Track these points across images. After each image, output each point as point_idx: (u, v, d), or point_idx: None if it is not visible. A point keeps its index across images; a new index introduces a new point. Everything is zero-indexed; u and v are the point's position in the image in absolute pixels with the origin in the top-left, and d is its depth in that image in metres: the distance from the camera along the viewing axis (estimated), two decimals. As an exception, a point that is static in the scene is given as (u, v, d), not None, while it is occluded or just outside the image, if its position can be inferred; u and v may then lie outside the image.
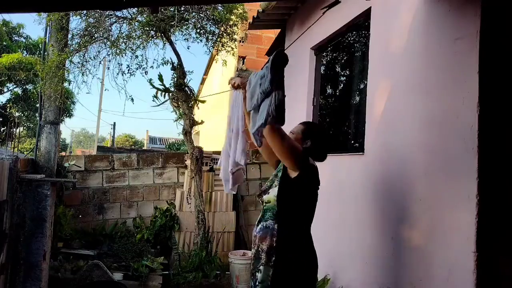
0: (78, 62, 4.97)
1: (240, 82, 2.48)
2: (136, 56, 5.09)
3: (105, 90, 18.58)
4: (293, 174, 2.20)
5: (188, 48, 6.73)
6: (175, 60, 5.31)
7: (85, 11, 4.75)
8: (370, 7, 3.17)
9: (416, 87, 2.53)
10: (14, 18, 14.08)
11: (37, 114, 5.29)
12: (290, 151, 2.13)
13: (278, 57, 2.01)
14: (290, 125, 2.81)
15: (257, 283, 2.19)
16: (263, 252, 2.20)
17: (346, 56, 4.06)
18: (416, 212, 2.43)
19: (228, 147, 2.65)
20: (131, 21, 5.00)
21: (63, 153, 14.81)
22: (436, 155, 2.29)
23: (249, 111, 2.19)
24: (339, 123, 4.10)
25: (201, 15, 5.17)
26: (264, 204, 2.31)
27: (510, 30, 2.07)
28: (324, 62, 4.39)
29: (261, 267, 2.18)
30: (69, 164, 5.94)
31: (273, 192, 2.27)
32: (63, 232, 5.39)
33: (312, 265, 2.28)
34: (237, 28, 5.70)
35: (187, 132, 5.44)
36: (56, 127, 4.72)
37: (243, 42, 6.32)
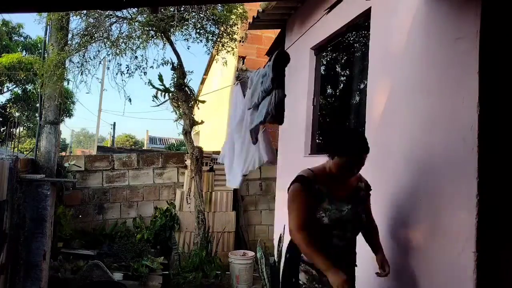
0: (78, 62, 4.97)
1: None
2: (136, 57, 5.10)
3: (104, 90, 18.53)
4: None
5: (188, 48, 6.74)
6: (175, 60, 5.32)
7: (85, 11, 4.75)
8: (370, 7, 3.17)
9: (416, 87, 2.53)
10: (14, 18, 14.08)
11: (37, 114, 5.30)
12: None
13: (280, 57, 2.03)
14: (290, 125, 2.81)
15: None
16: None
17: (346, 56, 4.07)
18: (416, 212, 2.43)
19: (232, 144, 2.65)
20: (131, 21, 5.00)
21: (63, 153, 14.80)
22: (436, 155, 2.29)
23: (248, 108, 2.20)
24: (339, 123, 4.10)
25: (201, 15, 5.18)
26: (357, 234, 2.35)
27: (510, 30, 2.07)
28: (324, 62, 4.39)
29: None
30: (69, 164, 5.94)
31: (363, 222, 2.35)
32: (63, 232, 5.39)
33: None
34: (237, 28, 5.71)
35: (187, 132, 5.44)
36: (56, 127, 4.72)
37: (243, 42, 6.32)
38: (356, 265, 2.35)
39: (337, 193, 2.18)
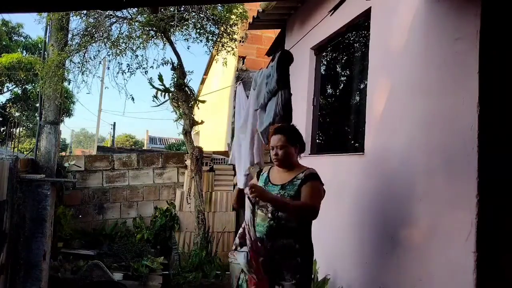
0: (78, 62, 4.97)
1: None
2: (136, 56, 5.09)
3: (105, 88, 18.52)
4: None
5: (188, 48, 6.73)
6: (175, 60, 5.32)
7: (85, 11, 4.75)
8: (370, 7, 3.17)
9: (416, 87, 2.53)
10: (14, 18, 14.08)
11: (37, 114, 5.30)
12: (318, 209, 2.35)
13: (283, 57, 2.03)
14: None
15: None
16: (287, 270, 2.31)
17: (346, 56, 4.07)
18: (416, 212, 2.43)
19: (239, 144, 2.67)
20: (131, 21, 5.00)
21: (63, 153, 14.80)
22: (436, 155, 2.29)
23: (255, 110, 2.21)
24: (339, 123, 4.10)
25: (201, 15, 5.17)
26: (281, 221, 2.35)
27: (510, 30, 2.07)
28: (324, 62, 4.39)
29: (285, 283, 2.29)
30: (69, 164, 5.94)
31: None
32: (63, 232, 5.39)
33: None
34: (237, 28, 5.70)
35: (187, 132, 5.44)
36: (56, 127, 4.72)
37: (243, 42, 6.31)
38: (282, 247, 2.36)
39: (274, 180, 2.51)
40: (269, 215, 2.37)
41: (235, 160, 2.76)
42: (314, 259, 3.35)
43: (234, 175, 5.79)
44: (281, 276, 2.31)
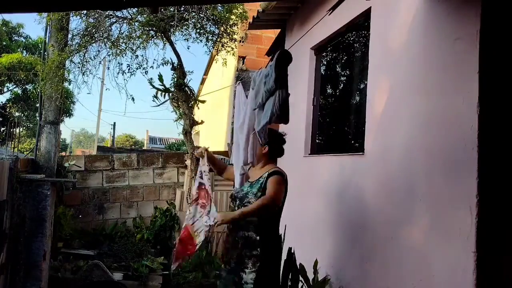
0: (79, 62, 4.97)
1: (201, 154, 2.85)
2: (136, 56, 5.10)
3: (106, 89, 18.58)
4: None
5: (188, 48, 6.74)
6: (175, 60, 5.32)
7: (85, 11, 4.75)
8: (370, 7, 3.17)
9: (416, 87, 2.53)
10: (14, 18, 14.07)
11: (37, 114, 5.30)
12: (278, 203, 2.61)
13: (282, 56, 2.04)
14: (291, 125, 2.81)
15: (242, 281, 2.56)
16: (247, 258, 2.58)
17: (346, 56, 4.06)
18: (416, 212, 2.43)
19: (235, 143, 2.70)
20: (131, 21, 5.00)
21: (63, 153, 14.79)
22: (436, 155, 2.29)
23: (253, 109, 2.22)
24: (339, 123, 4.10)
25: (201, 15, 5.17)
26: (243, 216, 2.57)
27: (510, 30, 2.07)
28: (324, 62, 4.38)
29: (247, 271, 2.56)
30: (69, 164, 5.94)
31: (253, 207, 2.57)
32: (63, 232, 5.39)
33: (280, 260, 2.76)
34: (237, 28, 5.70)
35: (187, 132, 5.44)
36: (56, 127, 4.72)
37: (243, 42, 6.31)
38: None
39: (250, 177, 2.80)
40: (237, 207, 2.70)
41: (234, 160, 2.80)
42: (315, 259, 3.36)
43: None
44: (245, 265, 2.57)
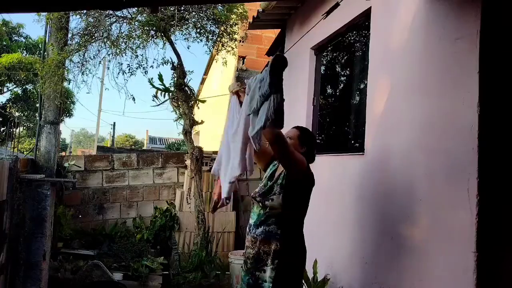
0: (78, 62, 4.97)
1: (238, 88, 2.60)
2: (136, 56, 5.09)
3: (106, 89, 18.60)
4: (297, 181, 2.39)
5: (188, 48, 6.73)
6: (175, 60, 5.31)
7: (85, 11, 4.75)
8: (370, 7, 3.17)
9: (416, 87, 2.53)
10: (14, 18, 14.06)
11: (37, 114, 5.30)
12: (298, 162, 2.33)
13: (277, 61, 2.03)
14: (291, 125, 2.81)
15: (259, 281, 2.37)
16: (266, 255, 2.37)
17: (346, 56, 4.06)
18: (416, 212, 2.43)
19: (226, 152, 2.62)
20: (131, 21, 5.00)
21: (63, 153, 14.82)
22: (436, 155, 2.29)
23: (248, 114, 2.21)
24: (339, 123, 4.10)
25: (201, 14, 5.17)
26: (267, 209, 2.42)
27: (510, 30, 2.07)
28: (324, 62, 4.38)
29: (266, 268, 2.36)
30: (69, 164, 5.94)
31: (278, 199, 2.39)
32: (63, 232, 5.39)
33: (303, 262, 2.54)
34: (237, 28, 5.70)
35: (187, 132, 5.44)
36: (56, 127, 4.71)
37: (243, 42, 6.31)
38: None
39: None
40: (260, 204, 2.47)
41: (221, 170, 2.67)
42: (315, 259, 3.36)
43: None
44: (262, 263, 2.38)
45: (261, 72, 2.17)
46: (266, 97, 2.01)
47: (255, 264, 2.40)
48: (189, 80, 5.37)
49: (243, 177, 2.89)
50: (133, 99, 5.38)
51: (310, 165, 2.50)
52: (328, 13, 3.03)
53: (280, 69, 2.05)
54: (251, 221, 2.52)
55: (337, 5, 3.09)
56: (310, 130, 2.78)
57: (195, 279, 4.75)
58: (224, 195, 2.57)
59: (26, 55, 12.61)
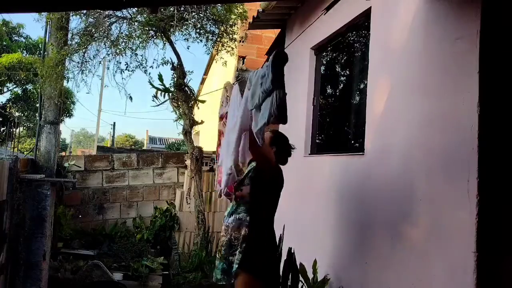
0: (78, 62, 4.97)
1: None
2: (136, 55, 5.09)
3: (105, 86, 18.59)
4: (263, 172, 2.68)
5: (188, 48, 6.74)
6: (175, 60, 5.32)
7: (85, 11, 4.75)
8: (370, 7, 3.17)
9: (416, 87, 2.53)
10: (14, 18, 14.06)
11: (37, 114, 5.30)
12: (265, 153, 2.64)
13: (278, 57, 2.04)
14: (290, 125, 2.81)
15: (232, 265, 2.56)
16: (236, 240, 2.59)
17: (346, 56, 4.06)
18: (416, 212, 2.43)
19: (226, 144, 2.68)
20: (131, 21, 5.00)
21: (63, 153, 14.81)
22: (436, 155, 2.29)
23: (250, 110, 2.22)
24: (339, 123, 4.10)
25: (201, 15, 5.17)
26: (237, 199, 2.71)
27: (510, 30, 2.07)
28: (324, 62, 4.38)
29: (236, 252, 2.57)
30: (69, 164, 5.94)
31: (246, 189, 2.68)
32: (63, 232, 5.39)
33: (273, 248, 2.79)
34: (237, 28, 5.70)
35: (187, 132, 5.44)
36: (56, 127, 4.72)
37: (243, 42, 6.31)
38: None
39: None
40: (233, 196, 2.76)
41: (223, 161, 2.80)
42: (315, 259, 3.36)
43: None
44: (235, 247, 2.59)
45: (261, 67, 2.18)
46: (268, 93, 2.01)
47: (228, 250, 2.61)
48: (189, 80, 5.38)
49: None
50: (131, 98, 5.39)
51: (312, 164, 2.53)
52: (328, 8, 3.02)
53: (281, 64, 2.06)
54: (226, 213, 2.78)
55: (337, 0, 3.08)
56: (285, 135, 2.99)
57: (195, 279, 4.76)
58: (221, 185, 2.74)
59: (26, 55, 12.60)
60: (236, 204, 2.71)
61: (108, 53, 5.02)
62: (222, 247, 2.68)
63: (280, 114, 1.98)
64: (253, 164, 2.78)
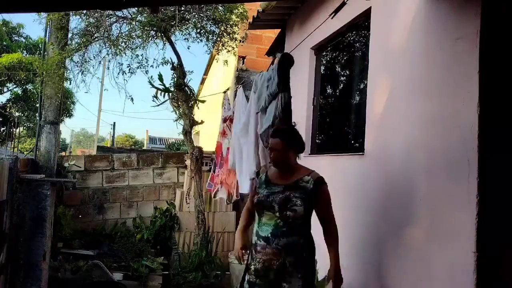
0: (78, 62, 4.97)
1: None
2: (137, 55, 5.09)
3: (105, 90, 18.58)
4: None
5: (188, 48, 6.74)
6: (175, 60, 5.32)
7: (85, 11, 4.75)
8: (370, 7, 3.17)
9: (416, 87, 2.53)
10: (14, 18, 14.06)
11: (37, 114, 5.30)
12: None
13: (284, 60, 2.05)
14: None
15: None
16: (291, 266, 2.37)
17: (346, 56, 4.06)
18: (416, 212, 2.43)
19: (240, 149, 2.64)
20: (131, 21, 5.00)
21: (63, 153, 14.81)
22: (436, 155, 2.29)
23: (256, 112, 2.23)
24: (339, 123, 4.10)
25: (201, 15, 5.17)
26: (289, 220, 2.39)
27: (510, 30, 2.07)
28: (324, 62, 4.38)
29: (292, 280, 2.36)
30: (69, 164, 5.94)
31: (300, 210, 2.38)
32: (63, 232, 5.39)
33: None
34: (237, 28, 5.70)
35: (187, 132, 5.44)
36: (56, 127, 4.71)
37: (243, 42, 6.31)
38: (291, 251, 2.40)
39: (275, 180, 2.52)
40: (277, 214, 2.40)
41: (236, 165, 2.74)
42: (315, 259, 3.36)
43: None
44: (289, 273, 2.36)
45: (267, 70, 2.19)
46: (274, 96, 2.03)
47: (281, 275, 2.37)
48: (189, 80, 5.38)
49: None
50: (132, 99, 5.39)
51: (312, 164, 2.52)
52: (335, 11, 3.01)
53: (287, 67, 2.07)
54: (267, 233, 2.41)
55: (343, 4, 3.08)
56: (290, 126, 2.69)
57: (195, 279, 4.75)
58: (241, 190, 2.62)
59: (26, 55, 12.60)
60: (287, 224, 2.38)
61: (109, 53, 5.02)
62: (271, 271, 2.38)
63: (285, 117, 2.00)
64: (290, 177, 2.48)
